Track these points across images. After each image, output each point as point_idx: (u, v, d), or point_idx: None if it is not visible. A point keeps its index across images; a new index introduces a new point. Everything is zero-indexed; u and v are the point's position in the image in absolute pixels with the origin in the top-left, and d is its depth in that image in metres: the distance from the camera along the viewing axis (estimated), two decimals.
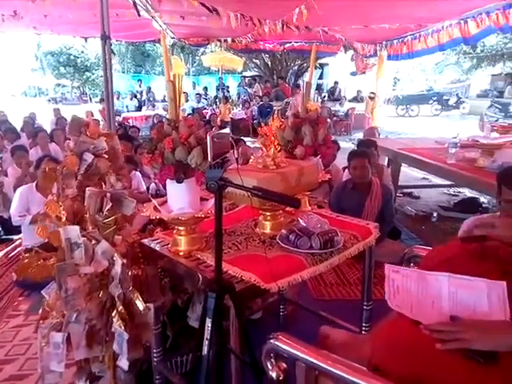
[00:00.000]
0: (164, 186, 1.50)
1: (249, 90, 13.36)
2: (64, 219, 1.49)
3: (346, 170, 3.91)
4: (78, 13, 4.83)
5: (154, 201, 1.48)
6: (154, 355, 1.77)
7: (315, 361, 0.99)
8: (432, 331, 0.89)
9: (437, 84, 18.86)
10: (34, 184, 3.37)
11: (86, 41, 7.39)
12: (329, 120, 11.67)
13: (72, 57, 23.60)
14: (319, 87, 15.83)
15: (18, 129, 6.39)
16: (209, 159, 1.03)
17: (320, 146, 2.08)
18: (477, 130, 8.09)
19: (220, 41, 7.48)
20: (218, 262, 1.11)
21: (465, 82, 19.05)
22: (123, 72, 21.23)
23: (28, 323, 2.58)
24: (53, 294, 1.67)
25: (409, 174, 5.81)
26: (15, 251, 3.61)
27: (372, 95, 8.21)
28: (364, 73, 8.19)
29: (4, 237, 3.89)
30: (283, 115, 2.42)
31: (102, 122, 4.37)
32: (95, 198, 1.47)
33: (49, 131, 5.94)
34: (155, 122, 8.34)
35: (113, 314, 1.47)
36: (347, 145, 8.25)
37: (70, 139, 1.83)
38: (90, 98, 22.86)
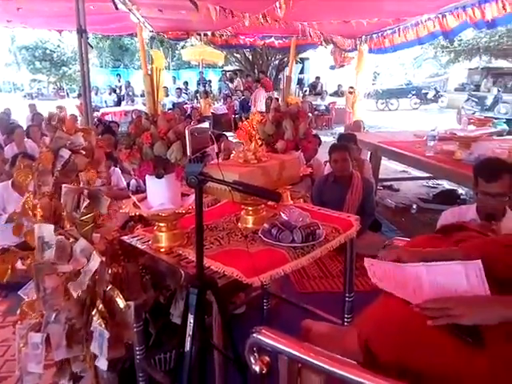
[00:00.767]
0: (144, 182, 1.48)
1: (230, 84, 13.27)
2: (39, 217, 1.45)
3: (328, 163, 3.93)
4: (53, 5, 4.69)
5: (134, 197, 1.45)
6: (137, 353, 1.75)
7: (297, 353, 0.99)
8: (423, 309, 0.92)
9: (416, 78, 19.13)
10: (10, 182, 3.27)
11: (60, 34, 7.17)
12: (310, 114, 11.74)
13: (48, 51, 22.93)
14: (300, 82, 15.88)
15: None
16: (188, 154, 1.01)
17: (301, 140, 2.09)
18: (454, 123, 8.25)
19: (200, 34, 7.38)
20: (200, 257, 1.10)
21: (443, 76, 19.40)
22: (101, 66, 20.79)
23: (6, 325, 2.52)
24: (31, 294, 1.63)
25: (389, 167, 5.89)
26: None
27: (351, 89, 8.28)
28: (342, 66, 8.24)
29: None
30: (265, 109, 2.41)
31: (80, 118, 4.27)
32: (72, 195, 1.44)
33: (24, 127, 5.78)
34: (134, 117, 8.20)
35: (93, 313, 1.45)
36: (329, 139, 8.29)
37: (46, 135, 1.78)
38: (68, 94, 22.32)
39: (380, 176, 4.97)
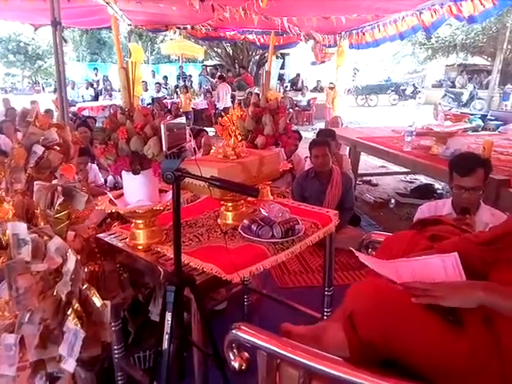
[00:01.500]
0: (121, 179, 1.45)
1: (210, 79, 13.17)
2: (11, 215, 1.41)
3: (308, 159, 3.96)
4: None
5: (110, 194, 1.42)
6: (115, 352, 1.72)
7: (276, 348, 1.00)
8: (407, 287, 0.96)
9: (394, 74, 19.40)
10: None
11: (35, 30, 6.93)
12: (291, 110, 11.76)
13: (22, 44, 22.21)
14: (281, 77, 15.86)
15: None
16: (164, 149, 0.99)
17: (281, 136, 2.08)
18: (432, 119, 8.41)
19: (179, 28, 7.28)
20: (177, 254, 1.08)
21: (421, 72, 19.71)
22: (78, 60, 20.29)
23: None
24: (3, 294, 1.58)
25: (368, 162, 5.97)
26: None
27: (332, 85, 8.33)
28: (323, 62, 8.27)
29: None
30: (246, 105, 2.41)
31: (56, 113, 4.16)
32: (45, 192, 1.40)
33: None
34: (112, 112, 8.03)
35: (68, 313, 1.41)
36: (309, 134, 8.33)
37: (19, 131, 1.73)
38: (43, 88, 21.70)
39: (359, 171, 5.03)
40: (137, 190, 1.37)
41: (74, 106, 10.06)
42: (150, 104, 9.90)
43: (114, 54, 21.14)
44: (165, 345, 1.08)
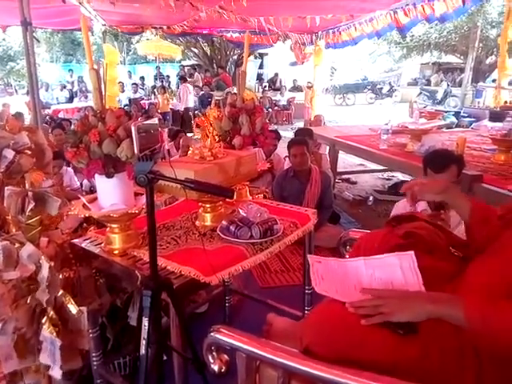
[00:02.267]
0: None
1: (188, 79, 13.07)
2: None
3: (287, 158, 3.97)
4: None
5: (83, 198, 1.39)
6: (94, 359, 1.69)
7: (255, 350, 0.99)
8: (356, 308, 0.95)
9: (371, 73, 19.68)
10: None
11: (4, 31, 6.71)
12: (270, 110, 11.80)
13: None
14: (260, 77, 15.90)
15: None
16: (135, 151, 0.97)
17: (258, 136, 2.08)
18: (407, 117, 8.57)
19: (156, 28, 7.20)
20: (153, 258, 1.07)
21: (397, 70, 20.06)
22: (52, 61, 19.81)
23: None
24: None
25: (347, 160, 6.04)
26: None
27: (310, 85, 8.39)
28: (303, 63, 8.32)
29: None
30: (225, 105, 2.40)
31: (30, 116, 4.04)
32: (16, 197, 1.36)
33: None
34: (87, 114, 7.87)
35: (43, 321, 1.38)
36: (289, 134, 8.35)
37: None
38: (16, 90, 21.09)
39: (338, 169, 5.08)
40: (111, 193, 1.34)
41: (49, 108, 9.83)
42: (126, 105, 9.76)
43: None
44: (142, 350, 1.06)
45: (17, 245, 1.41)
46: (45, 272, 1.35)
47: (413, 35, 16.31)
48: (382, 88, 17.54)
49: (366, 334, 0.92)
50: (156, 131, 1.04)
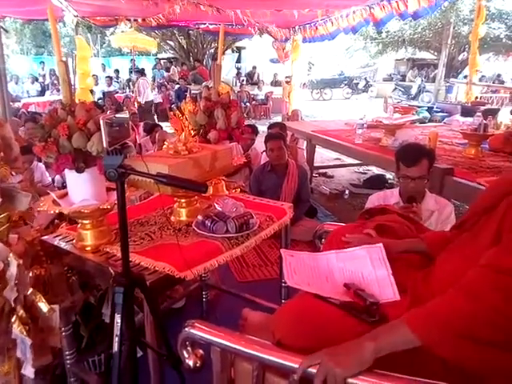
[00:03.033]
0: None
1: (164, 73, 12.88)
2: None
3: (265, 153, 3.98)
4: None
5: (52, 193, 1.35)
6: (67, 357, 1.65)
7: (229, 343, 0.99)
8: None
9: (347, 68, 19.87)
10: None
11: None
12: (248, 104, 11.76)
13: None
14: (237, 71, 15.81)
15: None
16: (104, 145, 0.95)
17: (234, 130, 2.07)
18: (382, 112, 8.72)
19: (130, 20, 7.03)
20: (125, 254, 1.05)
21: (372, 66, 20.32)
22: (22, 53, 19.12)
23: None
24: None
25: (324, 155, 6.09)
26: None
27: (288, 79, 8.39)
28: (284, 62, 8.29)
29: None
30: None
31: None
32: None
33: None
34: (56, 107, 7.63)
35: (12, 320, 1.34)
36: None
37: None
38: None
39: (316, 164, 5.12)
40: (82, 188, 1.31)
41: (19, 101, 9.49)
42: (100, 98, 9.54)
43: (61, 47, 20.05)
44: (115, 347, 1.05)
45: None
46: (13, 270, 1.31)
47: (388, 31, 16.55)
48: (358, 83, 17.74)
49: (335, 324, 0.94)
50: (126, 125, 1.02)
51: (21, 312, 1.36)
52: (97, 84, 10.23)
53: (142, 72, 10.80)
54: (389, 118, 3.71)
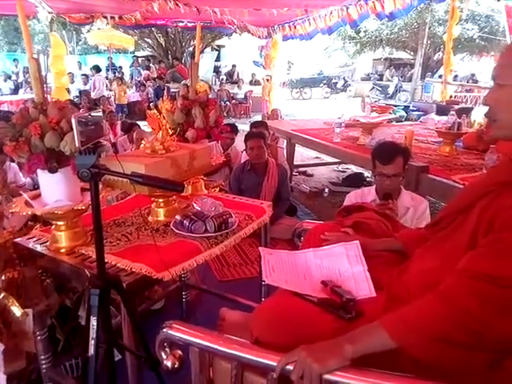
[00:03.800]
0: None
1: (142, 71, 12.69)
2: None
3: (245, 152, 3.97)
4: None
5: (25, 194, 1.32)
6: (42, 362, 1.61)
7: (207, 343, 0.99)
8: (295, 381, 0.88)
9: (326, 68, 20.05)
10: None
11: None
12: (228, 103, 11.73)
13: None
14: (217, 69, 15.73)
15: None
16: (76, 144, 0.93)
17: (212, 129, 2.06)
18: (360, 111, 8.83)
19: (106, 17, 6.89)
20: (100, 255, 1.03)
21: (351, 66, 20.56)
22: None
23: None
24: None
25: (304, 153, 6.13)
26: None
27: (268, 77, 8.40)
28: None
29: None
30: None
31: None
32: None
33: None
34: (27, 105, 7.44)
35: None
36: (247, 127, 8.35)
37: None
38: None
39: (296, 162, 5.15)
40: (55, 189, 1.28)
41: None
42: (77, 97, 9.34)
43: (36, 44, 19.53)
44: (91, 351, 1.03)
45: None
46: None
47: (366, 31, 16.77)
48: (336, 83, 17.92)
49: (312, 321, 0.95)
50: (100, 123, 1.00)
51: None
52: (72, 82, 10.02)
53: (97, 69, 10.78)
54: (366, 117, 3.76)
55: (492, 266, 0.81)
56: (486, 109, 0.94)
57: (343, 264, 1.10)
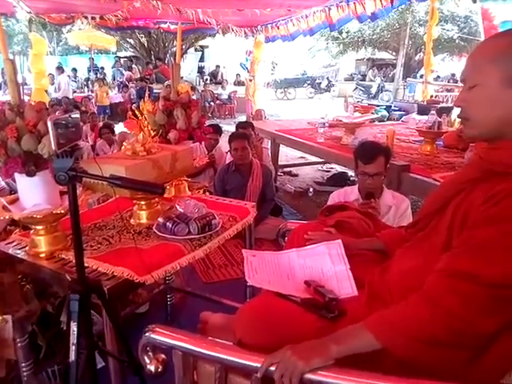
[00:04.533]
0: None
1: (124, 72, 12.55)
2: None
3: (229, 152, 3.97)
4: None
5: (1, 199, 1.29)
6: (23, 369, 1.58)
7: (190, 346, 0.98)
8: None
9: (310, 68, 20.17)
10: None
11: None
12: (212, 103, 11.69)
13: None
14: (201, 70, 15.68)
15: None
16: (53, 147, 0.91)
17: (195, 130, 2.05)
18: (343, 111, 8.90)
19: (87, 18, 6.79)
20: (79, 260, 1.01)
21: (334, 66, 20.74)
22: None
23: None
24: None
25: (289, 153, 6.15)
26: None
27: (251, 77, 8.41)
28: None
29: None
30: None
31: None
32: None
33: None
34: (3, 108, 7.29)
35: None
36: (231, 128, 8.35)
37: None
38: None
39: (280, 162, 5.16)
40: (33, 193, 1.26)
41: None
42: (57, 99, 9.18)
43: (14, 45, 19.11)
44: (72, 357, 1.01)
45: None
46: None
47: (348, 31, 16.93)
48: (320, 83, 18.04)
49: (295, 321, 0.95)
50: (77, 125, 0.99)
51: None
52: (53, 83, 9.85)
53: (61, 68, 10.73)
54: (349, 117, 3.80)
55: (469, 263, 0.82)
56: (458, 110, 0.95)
57: (326, 263, 1.10)
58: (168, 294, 2.31)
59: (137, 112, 1.99)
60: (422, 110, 5.49)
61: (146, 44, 13.70)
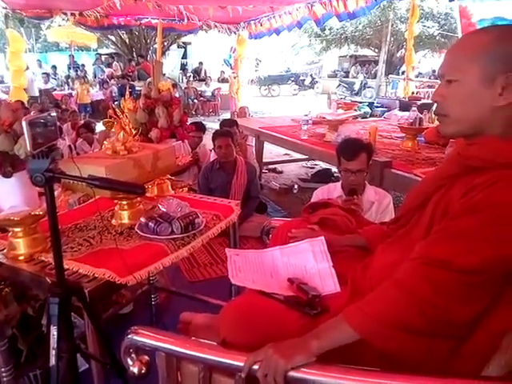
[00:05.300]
0: None
1: (105, 69, 12.35)
2: None
3: (213, 150, 3.95)
4: None
5: None
6: (3, 375, 1.55)
7: (172, 347, 0.98)
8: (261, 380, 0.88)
9: (294, 65, 20.21)
10: None
11: None
12: (196, 101, 11.61)
13: None
14: (184, 67, 15.54)
15: None
16: (28, 148, 0.89)
17: (177, 128, 2.03)
18: (326, 108, 8.95)
19: (66, 14, 6.65)
20: (59, 262, 0.99)
21: (318, 63, 20.82)
22: None
23: None
24: None
25: (273, 150, 6.15)
26: None
27: (234, 75, 8.37)
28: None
29: None
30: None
31: None
32: None
33: None
34: None
35: None
36: (216, 125, 8.30)
37: None
38: None
39: (265, 160, 5.16)
40: (10, 194, 1.23)
41: None
42: (37, 97, 8.99)
43: None
44: (52, 361, 0.99)
45: None
46: None
47: (331, 28, 17.01)
48: (304, 80, 18.09)
49: (278, 319, 0.95)
50: (53, 125, 0.96)
51: None
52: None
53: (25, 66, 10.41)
54: (332, 114, 3.82)
55: (442, 251, 0.83)
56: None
57: (309, 260, 1.11)
58: (152, 294, 2.29)
59: (117, 110, 1.96)
60: (404, 107, 5.55)
61: (127, 41, 13.50)
